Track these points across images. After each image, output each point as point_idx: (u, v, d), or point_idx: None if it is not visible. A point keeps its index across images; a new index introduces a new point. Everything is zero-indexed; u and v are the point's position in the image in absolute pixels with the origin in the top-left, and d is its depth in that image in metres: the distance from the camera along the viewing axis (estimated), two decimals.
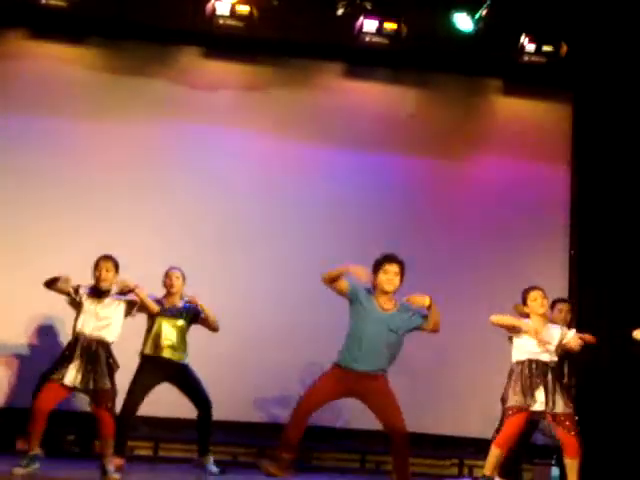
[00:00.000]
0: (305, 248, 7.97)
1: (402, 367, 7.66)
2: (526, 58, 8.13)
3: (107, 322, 5.87)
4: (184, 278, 6.78)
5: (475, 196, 8.51)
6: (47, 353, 6.77)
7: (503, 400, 6.23)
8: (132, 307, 6.01)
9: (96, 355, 5.76)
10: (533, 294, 6.19)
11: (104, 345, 5.85)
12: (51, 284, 5.85)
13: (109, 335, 5.88)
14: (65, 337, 6.42)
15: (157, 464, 7.28)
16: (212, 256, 7.93)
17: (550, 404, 5.98)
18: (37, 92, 8.00)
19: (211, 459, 6.67)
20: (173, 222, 8.00)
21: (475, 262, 8.32)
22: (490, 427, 6.85)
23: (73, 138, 7.99)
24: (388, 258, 5.61)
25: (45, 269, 6.24)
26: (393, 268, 5.59)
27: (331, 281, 5.54)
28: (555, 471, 8.02)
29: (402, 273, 5.63)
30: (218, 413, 6.90)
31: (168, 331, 6.64)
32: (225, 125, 8.32)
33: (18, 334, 7.54)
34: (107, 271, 5.89)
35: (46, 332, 7.48)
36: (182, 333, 6.71)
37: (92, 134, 8.03)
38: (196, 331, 6.81)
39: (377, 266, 5.61)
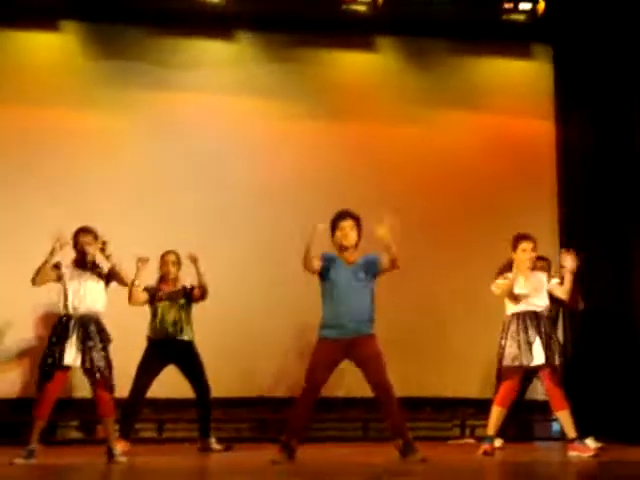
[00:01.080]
0: (290, 217, 7.95)
1: (401, 331, 7.83)
2: (504, 17, 8.14)
3: (93, 295, 5.83)
4: (180, 262, 6.79)
5: (459, 159, 8.50)
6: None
7: (500, 356, 6.25)
8: (112, 277, 5.96)
9: (89, 331, 5.74)
10: (523, 245, 6.21)
11: (94, 319, 5.82)
12: (36, 282, 5.83)
13: (98, 307, 5.84)
14: None
15: (162, 445, 7.30)
16: (202, 232, 7.89)
17: (547, 357, 6.02)
18: (15, 83, 7.94)
19: (213, 439, 6.71)
20: (161, 206, 7.97)
21: (467, 223, 8.34)
22: (490, 388, 6.92)
23: (54, 127, 7.92)
24: (340, 215, 5.74)
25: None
26: (347, 223, 5.71)
27: (310, 262, 5.60)
28: (556, 425, 8.10)
29: (358, 226, 5.75)
30: (219, 390, 6.93)
31: (170, 313, 6.67)
32: (207, 104, 8.27)
33: (19, 323, 7.52)
34: (89, 244, 5.86)
35: (45, 320, 7.45)
36: (185, 312, 6.74)
37: (74, 122, 7.97)
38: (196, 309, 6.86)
39: (333, 225, 5.74)
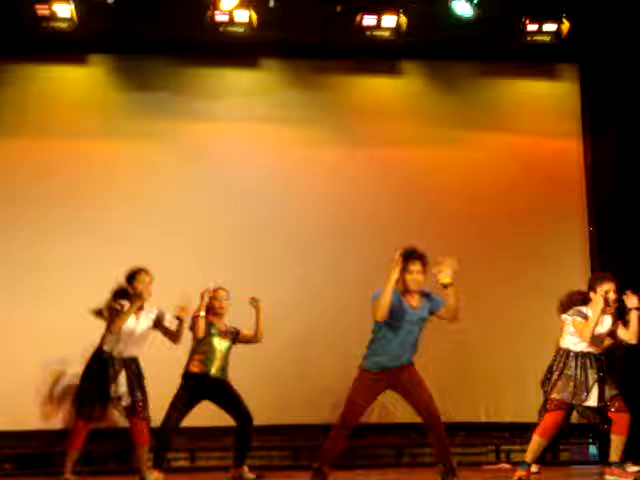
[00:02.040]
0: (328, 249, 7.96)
1: (434, 356, 7.75)
2: (528, 38, 8.11)
3: (142, 338, 5.88)
4: (228, 297, 6.79)
5: (488, 181, 8.48)
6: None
7: (547, 384, 6.16)
8: (162, 319, 5.98)
9: (131, 369, 5.78)
10: (606, 286, 6.04)
11: (136, 359, 5.88)
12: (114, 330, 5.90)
13: (142, 349, 5.89)
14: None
15: (195, 474, 7.28)
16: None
17: (603, 398, 5.96)
18: (43, 115, 8.06)
19: (245, 468, 6.68)
20: (188, 235, 8.02)
21: (495, 249, 8.30)
22: (523, 411, 6.86)
23: (82, 157, 8.03)
24: (410, 257, 5.48)
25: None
26: (416, 267, 5.49)
27: (385, 311, 5.38)
28: (593, 449, 7.99)
29: (425, 268, 5.53)
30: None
31: (218, 351, 6.65)
32: (234, 133, 8.32)
33: (51, 353, 7.55)
34: (149, 284, 5.88)
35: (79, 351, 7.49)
36: (228, 353, 6.74)
37: (101, 154, 8.07)
38: None
39: (404, 264, 5.45)
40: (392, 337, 5.49)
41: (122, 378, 5.76)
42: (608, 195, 8.53)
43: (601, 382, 5.99)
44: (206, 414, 6.84)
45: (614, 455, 6.00)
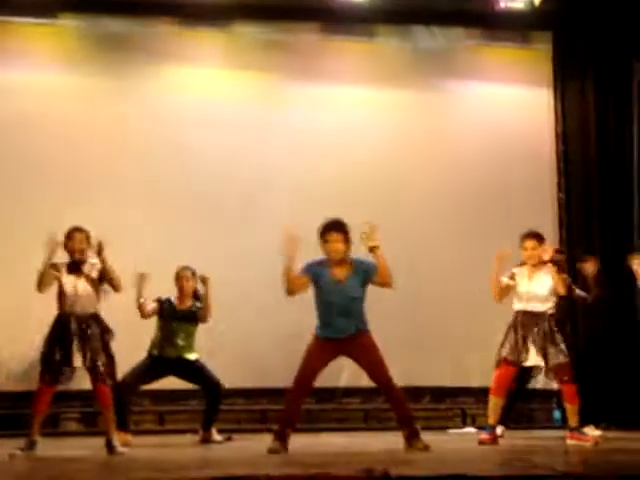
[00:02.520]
0: (294, 208, 7.96)
1: (401, 321, 7.84)
2: (503, 5, 8.13)
3: (88, 294, 5.82)
4: (195, 277, 6.77)
5: (457, 148, 8.50)
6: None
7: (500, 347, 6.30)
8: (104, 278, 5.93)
9: (89, 332, 5.74)
10: (525, 243, 6.25)
11: (93, 318, 5.83)
12: (40, 288, 5.84)
13: (93, 306, 5.84)
14: None
15: (164, 436, 7.33)
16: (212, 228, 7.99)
17: (540, 358, 6.08)
18: (12, 74, 7.95)
19: (214, 430, 6.73)
20: (163, 201, 7.99)
21: (464, 219, 8.34)
22: (490, 375, 6.92)
23: (48, 118, 7.92)
24: (327, 227, 5.60)
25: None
26: (332, 237, 5.58)
27: (293, 286, 5.55)
28: (557, 414, 8.13)
29: (346, 237, 5.60)
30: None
31: (179, 334, 6.70)
32: (207, 96, 8.27)
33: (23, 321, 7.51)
34: (81, 243, 5.85)
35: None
36: (193, 333, 6.78)
37: (69, 114, 7.98)
38: None
39: (321, 236, 5.60)
40: (325, 309, 5.59)
41: (76, 338, 5.70)
42: (578, 163, 8.61)
43: (542, 342, 6.07)
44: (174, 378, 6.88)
45: (571, 420, 6.15)
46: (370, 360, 5.61)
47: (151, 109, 8.16)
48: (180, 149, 8.10)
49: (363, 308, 5.68)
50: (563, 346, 6.15)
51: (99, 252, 5.79)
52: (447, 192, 8.40)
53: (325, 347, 5.60)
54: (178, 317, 6.73)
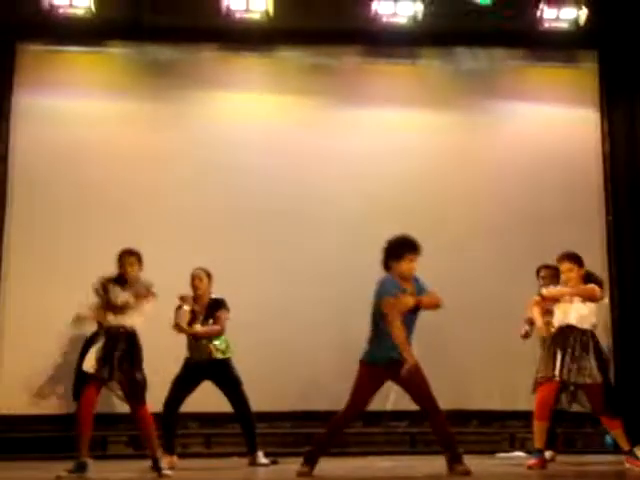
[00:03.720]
0: (340, 231, 8.00)
1: (449, 345, 7.78)
2: (547, 25, 8.08)
3: (129, 309, 5.86)
4: (209, 277, 6.86)
5: (505, 169, 8.45)
6: None
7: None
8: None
9: (124, 342, 5.78)
10: (561, 266, 6.24)
11: (129, 333, 5.88)
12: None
13: (131, 324, 5.87)
14: None
15: (210, 459, 7.33)
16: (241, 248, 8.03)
17: (566, 373, 5.95)
18: (60, 101, 8.14)
19: (260, 453, 6.72)
20: (202, 220, 8.09)
21: (510, 239, 8.28)
22: None
23: (95, 144, 8.09)
24: (412, 247, 5.61)
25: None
26: (415, 257, 5.62)
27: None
28: (608, 438, 7.95)
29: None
30: (266, 404, 7.03)
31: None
32: (251, 120, 8.35)
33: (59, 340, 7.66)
34: (130, 265, 5.92)
35: None
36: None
37: (115, 140, 8.13)
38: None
39: (401, 252, 5.60)
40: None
41: (99, 351, 5.74)
42: (627, 184, 8.48)
43: (570, 355, 5.96)
44: (223, 400, 6.88)
45: (622, 444, 6.03)
46: (416, 383, 5.56)
47: (196, 134, 8.26)
48: (225, 173, 8.18)
49: None
50: (597, 365, 6.01)
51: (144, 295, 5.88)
52: (490, 213, 8.35)
53: (375, 373, 5.56)
54: (200, 317, 6.77)
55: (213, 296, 6.85)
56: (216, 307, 6.79)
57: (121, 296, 5.85)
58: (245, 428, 6.76)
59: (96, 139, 8.10)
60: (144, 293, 5.89)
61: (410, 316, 5.58)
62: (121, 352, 5.78)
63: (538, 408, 6.11)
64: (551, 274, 6.75)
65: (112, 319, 5.83)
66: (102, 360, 5.74)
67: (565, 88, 8.61)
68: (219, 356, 6.73)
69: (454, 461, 5.52)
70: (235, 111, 8.39)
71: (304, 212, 8.19)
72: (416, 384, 5.55)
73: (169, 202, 8.10)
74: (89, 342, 5.86)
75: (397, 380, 5.63)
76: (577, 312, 6.11)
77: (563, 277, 6.19)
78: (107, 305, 5.87)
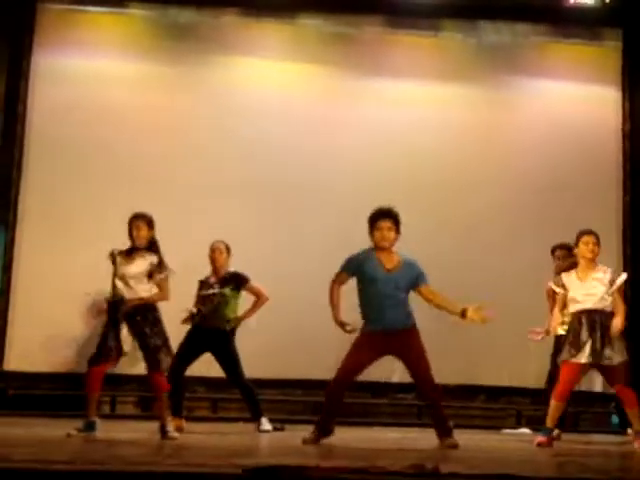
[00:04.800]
0: (357, 201, 7.97)
1: (458, 320, 7.76)
2: (572, 1, 8.00)
3: (139, 281, 5.87)
4: (228, 250, 6.86)
5: (524, 144, 8.41)
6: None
7: (559, 350, 6.22)
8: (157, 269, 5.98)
9: (138, 317, 5.80)
10: (586, 238, 6.15)
11: (143, 304, 5.84)
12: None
13: (144, 293, 5.87)
14: None
15: (216, 423, 7.39)
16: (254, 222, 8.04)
17: (596, 357, 5.95)
18: (80, 62, 8.14)
19: (264, 419, 6.77)
20: (221, 190, 8.09)
21: (526, 215, 8.26)
22: (545, 378, 6.84)
23: (115, 106, 8.10)
24: (380, 214, 5.55)
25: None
26: (386, 224, 5.52)
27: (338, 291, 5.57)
28: (615, 418, 7.98)
29: (397, 226, 5.56)
30: (275, 372, 7.10)
31: (214, 305, 6.74)
32: (271, 87, 8.32)
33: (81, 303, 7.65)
34: (138, 230, 5.92)
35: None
36: (230, 302, 6.80)
37: (136, 102, 8.13)
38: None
39: (371, 222, 5.56)
40: (373, 300, 5.51)
41: (126, 323, 5.78)
42: None
43: (599, 339, 5.97)
44: None
45: (636, 424, 6.01)
46: (417, 358, 5.52)
47: (215, 98, 8.26)
48: (244, 139, 8.19)
49: (409, 302, 5.61)
50: (621, 346, 6.01)
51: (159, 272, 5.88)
52: (508, 186, 8.35)
53: (372, 342, 5.51)
54: (212, 289, 6.77)
55: (230, 271, 6.84)
56: (239, 281, 6.79)
57: (130, 269, 5.86)
58: (245, 396, 6.79)
59: (114, 101, 8.11)
60: (157, 269, 5.89)
61: (377, 285, 5.49)
62: (138, 324, 5.81)
63: (560, 389, 6.07)
64: (564, 255, 6.73)
65: (127, 291, 5.86)
66: (129, 335, 5.79)
67: (588, 66, 8.56)
68: (222, 326, 6.75)
69: (446, 434, 5.54)
70: (254, 78, 8.37)
71: (320, 182, 8.18)
72: (418, 359, 5.51)
73: (184, 166, 8.11)
74: (112, 316, 5.88)
75: (398, 353, 5.58)
76: (597, 294, 6.07)
77: (587, 249, 6.10)
78: (121, 277, 5.89)
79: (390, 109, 8.34)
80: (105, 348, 5.80)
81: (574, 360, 6.01)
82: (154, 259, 5.88)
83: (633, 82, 8.54)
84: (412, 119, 8.32)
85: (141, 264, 5.87)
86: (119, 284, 5.86)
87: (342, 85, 8.42)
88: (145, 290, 5.87)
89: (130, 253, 5.90)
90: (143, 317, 5.82)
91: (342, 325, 5.51)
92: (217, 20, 8.37)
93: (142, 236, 5.89)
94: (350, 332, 5.50)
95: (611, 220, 8.33)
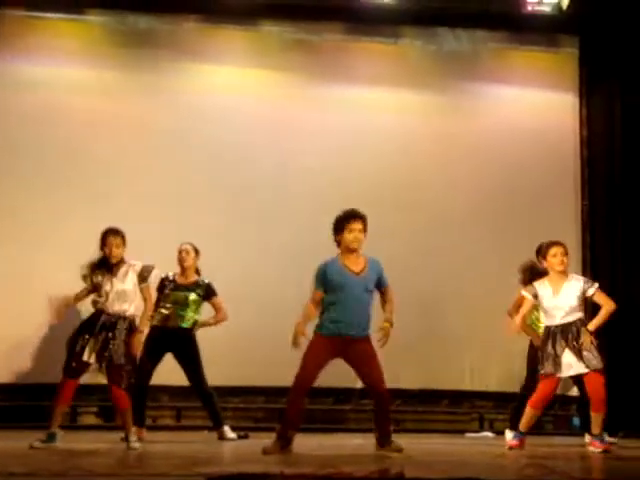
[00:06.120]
0: (314, 207, 7.99)
1: (420, 324, 7.82)
2: (530, 8, 8.10)
3: (124, 294, 5.83)
4: (197, 252, 6.86)
5: (484, 152, 8.48)
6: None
7: (536, 360, 6.22)
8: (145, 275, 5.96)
9: (114, 331, 5.76)
10: (554, 250, 6.08)
11: (122, 318, 5.86)
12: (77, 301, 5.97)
13: (126, 307, 5.85)
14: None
15: (180, 432, 7.34)
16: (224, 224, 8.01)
17: (574, 369, 5.99)
18: (39, 68, 8.07)
19: (227, 427, 6.73)
20: (183, 196, 8.05)
21: (486, 220, 8.33)
22: (508, 381, 6.89)
23: (74, 112, 8.02)
24: (352, 216, 5.53)
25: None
26: (357, 225, 5.53)
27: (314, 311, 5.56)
28: (575, 420, 8.06)
29: (365, 228, 5.58)
30: (238, 379, 7.05)
31: (179, 305, 6.73)
32: (231, 93, 8.31)
33: (42, 311, 7.56)
34: (117, 247, 5.88)
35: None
36: (194, 305, 6.79)
37: (94, 108, 8.06)
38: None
39: (341, 224, 5.54)
40: (337, 304, 5.49)
41: (98, 336, 5.73)
42: (603, 169, 8.53)
43: (575, 350, 6.00)
44: None
45: (595, 428, 6.05)
46: (370, 367, 5.51)
47: (176, 105, 8.23)
48: (202, 145, 8.16)
49: (371, 310, 5.58)
50: (596, 354, 6.05)
51: (143, 279, 5.88)
52: (467, 194, 8.40)
53: (329, 345, 5.49)
54: (180, 290, 6.77)
55: (204, 279, 6.85)
56: (209, 292, 6.82)
57: (114, 285, 5.82)
58: (206, 404, 6.76)
59: (75, 107, 8.04)
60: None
61: (346, 290, 5.48)
62: (111, 338, 5.76)
63: (537, 398, 6.08)
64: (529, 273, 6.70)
65: (107, 305, 5.81)
66: (100, 350, 5.74)
67: (545, 72, 8.65)
68: (185, 325, 6.73)
69: (387, 439, 5.57)
70: (215, 84, 8.35)
71: (283, 186, 8.18)
72: (372, 367, 5.50)
73: (143, 172, 8.05)
74: (85, 326, 5.82)
75: (350, 359, 5.55)
76: (568, 305, 6.07)
77: (556, 261, 6.08)
78: (99, 292, 5.83)
79: (351, 115, 8.36)
80: (82, 362, 5.75)
81: (554, 375, 6.04)
82: (137, 267, 5.89)
83: (590, 89, 8.65)
84: (373, 125, 8.35)
85: (125, 279, 5.85)
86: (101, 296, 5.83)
87: (303, 91, 8.44)
88: (128, 303, 5.85)
89: (108, 267, 5.85)
90: (118, 332, 5.77)
91: (301, 334, 5.46)
92: (177, 27, 8.34)
93: (120, 253, 5.86)
94: (297, 345, 5.45)
95: (570, 225, 8.42)
